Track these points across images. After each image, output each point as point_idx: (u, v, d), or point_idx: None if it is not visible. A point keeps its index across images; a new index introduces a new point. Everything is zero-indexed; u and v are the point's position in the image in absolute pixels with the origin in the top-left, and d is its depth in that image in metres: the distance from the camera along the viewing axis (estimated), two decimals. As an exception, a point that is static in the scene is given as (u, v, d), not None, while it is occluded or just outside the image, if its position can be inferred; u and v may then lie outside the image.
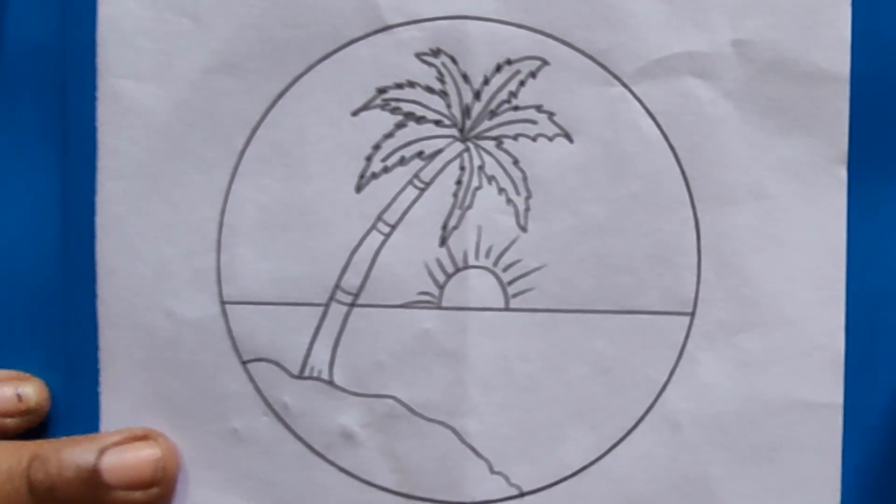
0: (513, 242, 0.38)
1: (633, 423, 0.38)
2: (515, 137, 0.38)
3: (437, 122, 0.38)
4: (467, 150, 0.39)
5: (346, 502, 0.39)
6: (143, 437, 0.38)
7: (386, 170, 0.39)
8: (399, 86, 0.38)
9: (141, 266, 0.39)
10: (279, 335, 0.39)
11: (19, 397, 0.38)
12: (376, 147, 0.38)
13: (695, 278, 0.38)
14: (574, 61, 0.38)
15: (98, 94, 0.39)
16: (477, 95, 0.38)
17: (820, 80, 0.37)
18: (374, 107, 0.38)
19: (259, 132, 0.39)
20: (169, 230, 0.39)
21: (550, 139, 0.38)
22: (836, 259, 0.37)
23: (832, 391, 0.38)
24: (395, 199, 0.38)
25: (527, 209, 0.38)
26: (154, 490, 0.38)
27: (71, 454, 0.37)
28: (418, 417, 0.39)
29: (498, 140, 0.38)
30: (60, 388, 0.39)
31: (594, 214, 0.38)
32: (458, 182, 0.39)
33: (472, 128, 0.38)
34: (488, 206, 0.38)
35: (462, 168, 0.39)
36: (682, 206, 0.38)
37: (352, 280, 0.39)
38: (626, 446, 0.38)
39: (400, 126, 0.38)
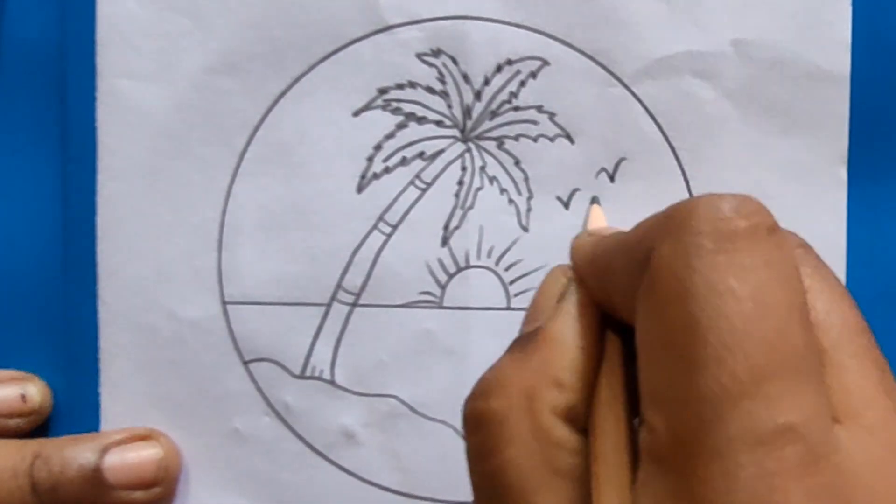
0: (514, 242, 0.38)
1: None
2: (516, 138, 0.38)
3: (439, 123, 0.39)
4: (469, 150, 0.39)
5: (348, 501, 0.39)
6: (146, 436, 0.38)
7: (387, 170, 0.39)
8: (400, 86, 0.38)
9: (142, 266, 0.39)
10: (280, 335, 0.39)
11: (23, 398, 0.38)
12: (377, 147, 0.39)
13: (695, 278, 0.38)
14: (574, 61, 0.38)
15: (98, 94, 0.39)
16: (478, 96, 0.38)
17: (820, 80, 0.37)
18: (376, 107, 0.38)
19: (260, 132, 0.39)
20: (170, 230, 0.39)
21: (551, 139, 0.38)
22: (836, 259, 0.38)
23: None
24: (396, 199, 0.39)
25: (528, 209, 0.38)
26: (156, 489, 0.38)
27: (73, 453, 0.37)
28: (420, 417, 0.39)
29: (499, 140, 0.38)
30: (61, 388, 0.39)
31: (595, 214, 0.38)
32: (460, 182, 0.39)
33: (474, 128, 0.38)
34: (490, 207, 0.38)
35: (463, 168, 0.39)
36: (683, 206, 0.38)
37: (353, 280, 0.39)
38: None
39: (401, 126, 0.38)
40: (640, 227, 0.24)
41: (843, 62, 0.37)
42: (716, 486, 0.20)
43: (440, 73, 0.38)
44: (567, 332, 0.25)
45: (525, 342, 0.26)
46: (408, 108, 0.38)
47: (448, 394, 0.39)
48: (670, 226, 0.22)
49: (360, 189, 0.39)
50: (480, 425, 0.25)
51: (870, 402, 0.22)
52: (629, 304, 0.23)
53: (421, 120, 0.39)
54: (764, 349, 0.21)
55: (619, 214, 0.38)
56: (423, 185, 0.39)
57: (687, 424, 0.21)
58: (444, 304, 0.38)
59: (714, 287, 0.21)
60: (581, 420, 0.25)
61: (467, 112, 0.38)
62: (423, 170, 0.39)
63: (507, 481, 0.24)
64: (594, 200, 0.37)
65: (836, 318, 0.23)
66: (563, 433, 0.24)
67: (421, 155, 0.39)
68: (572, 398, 0.25)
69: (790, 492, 0.20)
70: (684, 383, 0.21)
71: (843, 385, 0.23)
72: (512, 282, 0.38)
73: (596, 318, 0.26)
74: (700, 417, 0.21)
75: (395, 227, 0.39)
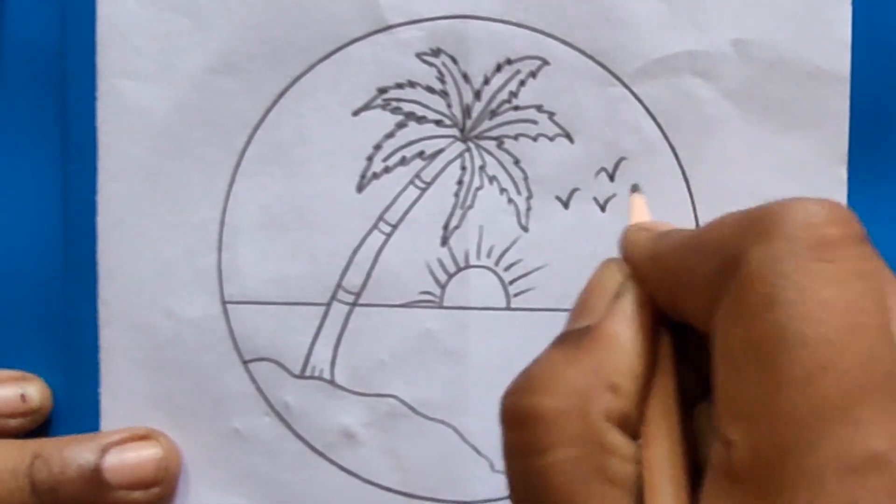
0: (514, 242, 0.38)
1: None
2: (516, 137, 0.38)
3: (438, 122, 0.39)
4: (468, 149, 0.39)
5: (348, 501, 0.39)
6: (145, 436, 0.38)
7: (387, 170, 0.39)
8: (400, 86, 0.38)
9: (142, 266, 0.39)
10: (280, 335, 0.39)
11: (23, 398, 0.38)
12: (377, 147, 0.39)
13: (695, 277, 0.38)
14: (574, 61, 0.38)
15: (98, 94, 0.39)
16: (477, 95, 0.38)
17: (820, 80, 0.37)
18: (375, 107, 0.38)
19: (260, 132, 0.39)
20: (170, 230, 0.39)
21: (551, 139, 0.38)
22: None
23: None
24: (396, 198, 0.39)
25: (528, 209, 0.38)
26: (155, 489, 0.38)
27: (73, 453, 0.37)
28: (419, 416, 0.39)
29: (499, 140, 0.38)
30: (61, 388, 0.39)
31: (595, 214, 0.38)
32: (460, 182, 0.39)
33: (473, 128, 0.38)
34: (489, 206, 0.38)
35: (463, 168, 0.39)
36: (683, 206, 0.38)
37: (353, 280, 0.39)
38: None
39: (401, 126, 0.38)
40: (719, 227, 0.23)
41: (843, 62, 0.37)
42: None
43: (440, 72, 0.38)
44: (623, 333, 0.24)
45: (578, 339, 0.25)
46: (407, 107, 0.38)
47: (448, 394, 0.38)
48: (761, 229, 0.21)
49: (360, 188, 0.39)
50: (527, 422, 0.24)
51: None
52: (703, 307, 0.22)
53: (421, 119, 0.39)
54: (857, 370, 0.20)
55: (619, 214, 0.38)
56: (422, 185, 0.39)
57: (772, 444, 0.20)
58: (444, 304, 0.38)
59: (808, 298, 0.20)
60: (634, 426, 0.24)
61: (467, 111, 0.38)
62: (422, 169, 0.39)
63: (552, 484, 0.23)
64: (635, 188, 0.37)
65: None
66: (617, 439, 0.23)
67: (420, 154, 0.39)
68: (627, 403, 0.24)
69: None
70: (771, 400, 0.20)
71: None
72: (512, 282, 0.38)
73: (652, 319, 0.25)
74: (788, 438, 0.20)
75: (394, 227, 0.39)
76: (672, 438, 0.24)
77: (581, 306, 0.26)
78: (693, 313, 0.23)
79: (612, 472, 0.23)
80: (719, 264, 0.22)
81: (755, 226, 0.22)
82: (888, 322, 0.21)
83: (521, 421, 0.24)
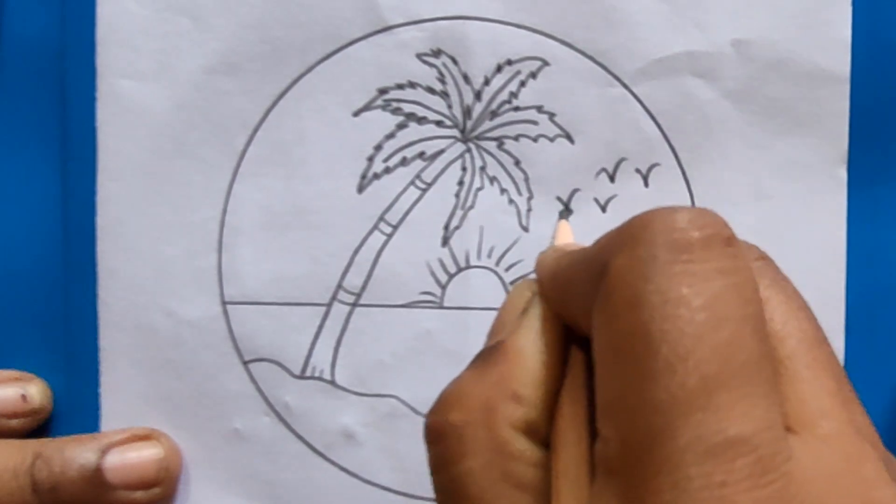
0: (515, 242, 0.38)
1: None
2: (517, 138, 0.38)
3: (439, 123, 0.39)
4: (469, 150, 0.39)
5: (348, 501, 0.39)
6: (146, 436, 0.38)
7: (387, 170, 0.39)
8: (400, 86, 0.38)
9: (142, 266, 0.39)
10: (281, 335, 0.39)
11: (24, 398, 0.39)
12: (378, 147, 0.39)
13: (695, 278, 0.38)
14: (574, 62, 0.38)
15: (98, 94, 0.39)
16: (478, 96, 0.38)
17: (820, 80, 0.37)
18: (376, 107, 0.38)
19: (260, 132, 0.39)
20: (170, 230, 0.39)
21: (551, 140, 0.38)
22: (836, 259, 0.38)
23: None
24: (396, 199, 0.39)
25: (528, 209, 0.38)
26: (156, 490, 0.38)
27: (74, 453, 0.37)
28: (420, 417, 0.39)
29: (499, 140, 0.38)
30: (62, 388, 0.40)
31: (595, 214, 0.38)
32: (460, 182, 0.39)
33: (474, 128, 0.38)
34: (490, 207, 0.38)
35: (464, 168, 0.39)
36: (683, 206, 0.38)
37: (354, 280, 0.39)
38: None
39: (401, 126, 0.38)
40: (599, 240, 0.24)
41: (843, 62, 0.37)
42: (664, 498, 0.20)
43: (440, 73, 0.38)
44: (527, 346, 0.25)
45: (487, 355, 0.26)
46: (408, 108, 0.38)
47: (448, 394, 0.39)
48: (626, 238, 0.22)
49: (360, 189, 0.39)
50: (440, 437, 0.25)
51: (825, 413, 0.22)
52: (588, 317, 0.23)
53: (421, 120, 0.39)
54: (715, 359, 0.21)
55: (619, 214, 0.38)
56: (423, 186, 0.39)
57: (637, 435, 0.21)
58: (445, 305, 0.39)
59: (667, 296, 0.21)
60: (541, 434, 0.25)
61: (467, 112, 0.38)
62: (423, 170, 0.39)
63: (464, 492, 0.24)
64: (562, 216, 0.38)
65: (793, 328, 0.23)
66: (522, 446, 0.24)
67: (421, 155, 0.39)
68: (531, 412, 0.25)
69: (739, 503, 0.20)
70: (635, 393, 0.21)
71: (799, 395, 0.22)
72: (512, 282, 0.38)
73: (558, 332, 0.26)
74: (650, 428, 0.21)
75: (395, 227, 0.39)
76: (579, 444, 0.24)
77: (494, 325, 0.27)
78: (583, 324, 0.24)
79: (519, 477, 0.24)
80: (594, 275, 0.23)
81: (621, 235, 0.23)
82: (755, 315, 0.22)
83: (436, 436, 0.25)
